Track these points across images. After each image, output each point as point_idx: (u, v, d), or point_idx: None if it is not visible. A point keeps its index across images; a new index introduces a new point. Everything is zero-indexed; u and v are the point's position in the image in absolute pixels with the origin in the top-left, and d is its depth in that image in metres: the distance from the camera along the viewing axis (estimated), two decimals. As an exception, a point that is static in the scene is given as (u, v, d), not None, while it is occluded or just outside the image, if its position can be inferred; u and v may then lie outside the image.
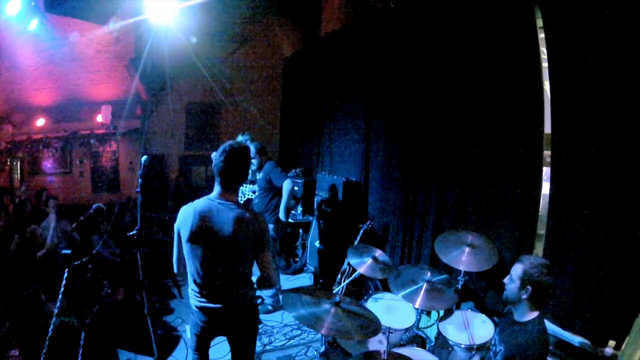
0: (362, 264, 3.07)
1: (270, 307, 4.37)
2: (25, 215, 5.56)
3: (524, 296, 2.00)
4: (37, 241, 4.47)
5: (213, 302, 2.20)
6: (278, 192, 4.22)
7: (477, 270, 2.89)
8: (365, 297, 3.21)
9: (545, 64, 2.82)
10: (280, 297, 4.28)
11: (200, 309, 2.24)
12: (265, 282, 2.26)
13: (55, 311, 2.79)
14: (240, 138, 5.33)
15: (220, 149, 2.16)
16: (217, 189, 2.20)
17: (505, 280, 2.12)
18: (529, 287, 1.98)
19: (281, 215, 4.18)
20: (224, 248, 2.12)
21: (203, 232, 2.13)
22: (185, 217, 2.18)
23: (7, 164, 7.51)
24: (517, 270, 2.04)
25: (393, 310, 3.01)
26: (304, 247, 5.57)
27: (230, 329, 2.31)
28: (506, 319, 2.19)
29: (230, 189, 2.20)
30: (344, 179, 4.95)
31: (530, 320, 2.01)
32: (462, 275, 3.03)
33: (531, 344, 1.94)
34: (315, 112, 6.31)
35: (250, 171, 5.31)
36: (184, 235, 2.18)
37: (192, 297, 2.27)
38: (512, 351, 1.97)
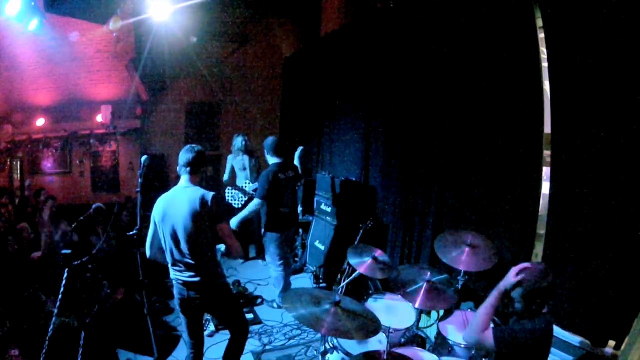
0: (362, 264, 3.07)
1: (275, 306, 4.38)
2: (27, 214, 5.56)
3: (535, 307, 2.01)
4: (27, 239, 4.46)
5: (184, 274, 2.59)
6: (272, 201, 3.97)
7: (477, 270, 2.88)
8: (365, 297, 3.21)
9: (545, 64, 2.82)
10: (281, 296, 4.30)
11: (176, 280, 2.64)
12: (230, 251, 2.63)
13: (55, 311, 2.78)
14: (240, 138, 5.34)
15: (187, 147, 2.67)
16: (182, 178, 2.66)
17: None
18: (537, 300, 1.99)
19: (232, 222, 3.70)
20: (182, 225, 2.50)
21: (168, 213, 2.55)
22: (157, 205, 2.64)
23: (7, 164, 7.51)
24: (517, 294, 2.03)
25: (393, 310, 3.01)
26: (304, 247, 5.56)
27: (204, 302, 2.65)
28: (514, 319, 2.19)
29: (193, 177, 2.64)
30: (343, 178, 4.95)
31: (541, 314, 2.03)
32: (462, 275, 3.03)
33: (538, 332, 1.96)
34: (315, 112, 6.31)
35: (245, 170, 5.32)
36: (157, 220, 2.61)
37: (171, 273, 2.67)
38: (517, 333, 1.99)
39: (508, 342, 1.98)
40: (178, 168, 2.67)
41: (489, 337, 2.01)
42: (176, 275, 2.63)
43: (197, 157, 2.63)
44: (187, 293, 2.61)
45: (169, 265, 2.66)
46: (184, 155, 2.63)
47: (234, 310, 2.88)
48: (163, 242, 2.62)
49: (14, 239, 4.32)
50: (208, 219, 2.53)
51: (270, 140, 4.11)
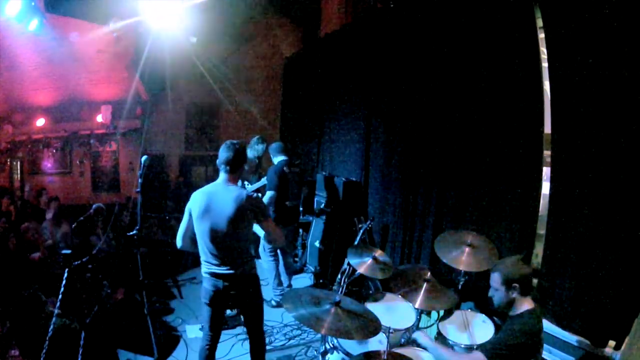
0: (362, 264, 3.07)
1: (274, 303, 4.39)
2: (27, 214, 5.56)
3: (514, 294, 2.10)
4: (30, 240, 4.47)
5: (221, 268, 2.62)
6: (278, 194, 4.22)
7: (477, 270, 2.88)
8: (365, 297, 3.21)
9: (545, 64, 2.83)
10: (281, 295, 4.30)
11: (210, 274, 2.65)
12: (272, 238, 2.87)
13: (56, 312, 2.79)
14: (261, 146, 5.32)
15: (228, 144, 2.64)
16: (221, 176, 2.66)
17: (490, 293, 2.20)
18: (515, 284, 2.08)
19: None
20: (226, 221, 2.53)
21: (209, 209, 2.57)
22: (196, 199, 2.64)
23: (7, 164, 7.50)
24: (496, 279, 2.15)
25: (393, 310, 3.01)
26: (304, 247, 5.56)
27: (236, 294, 2.67)
28: (505, 320, 2.22)
29: (232, 175, 2.65)
30: (344, 179, 4.95)
31: (525, 311, 2.09)
32: (462, 275, 3.03)
33: (523, 332, 2.01)
34: (315, 112, 6.31)
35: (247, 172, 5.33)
36: (195, 214, 2.61)
37: (204, 266, 2.69)
38: (505, 338, 2.04)
39: (501, 353, 2.02)
40: (217, 162, 2.66)
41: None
42: (211, 268, 2.65)
43: (236, 156, 2.62)
44: (222, 285, 2.63)
45: (203, 259, 2.68)
46: (223, 153, 2.63)
47: (260, 304, 2.88)
48: (200, 237, 2.64)
49: (16, 238, 4.33)
50: (253, 217, 2.62)
51: (275, 144, 4.50)
